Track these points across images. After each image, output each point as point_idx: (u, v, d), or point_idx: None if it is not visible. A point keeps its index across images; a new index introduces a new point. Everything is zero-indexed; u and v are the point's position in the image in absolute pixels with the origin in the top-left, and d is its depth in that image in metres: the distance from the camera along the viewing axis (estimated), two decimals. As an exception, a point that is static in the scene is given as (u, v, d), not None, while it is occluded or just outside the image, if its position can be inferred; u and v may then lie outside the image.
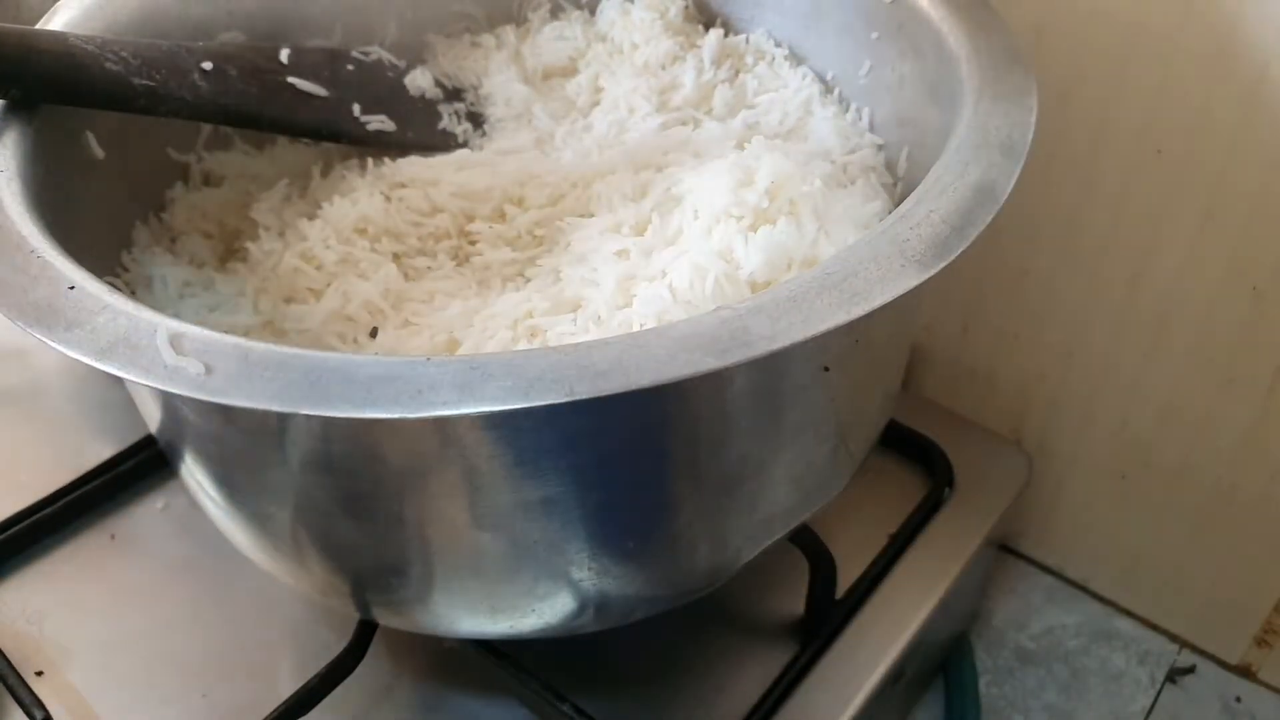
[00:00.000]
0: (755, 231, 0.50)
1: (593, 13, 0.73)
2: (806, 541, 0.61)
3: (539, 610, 0.50)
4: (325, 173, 0.62)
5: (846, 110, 0.66)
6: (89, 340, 0.38)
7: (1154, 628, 0.86)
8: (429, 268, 0.55)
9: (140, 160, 0.59)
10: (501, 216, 0.57)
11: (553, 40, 0.70)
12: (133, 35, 0.57)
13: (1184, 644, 0.85)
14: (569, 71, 0.68)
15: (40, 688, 0.61)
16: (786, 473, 0.50)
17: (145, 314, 0.39)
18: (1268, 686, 0.83)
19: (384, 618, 0.55)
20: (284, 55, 0.62)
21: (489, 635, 0.56)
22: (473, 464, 0.42)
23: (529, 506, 0.44)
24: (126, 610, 0.67)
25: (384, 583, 0.50)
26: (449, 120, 0.65)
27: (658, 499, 0.47)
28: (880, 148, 0.62)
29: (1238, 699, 0.82)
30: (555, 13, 0.73)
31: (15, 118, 0.50)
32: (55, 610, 0.67)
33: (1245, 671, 0.83)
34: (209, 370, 0.36)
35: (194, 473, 0.51)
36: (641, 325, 0.47)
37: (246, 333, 0.52)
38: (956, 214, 0.42)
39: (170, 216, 0.61)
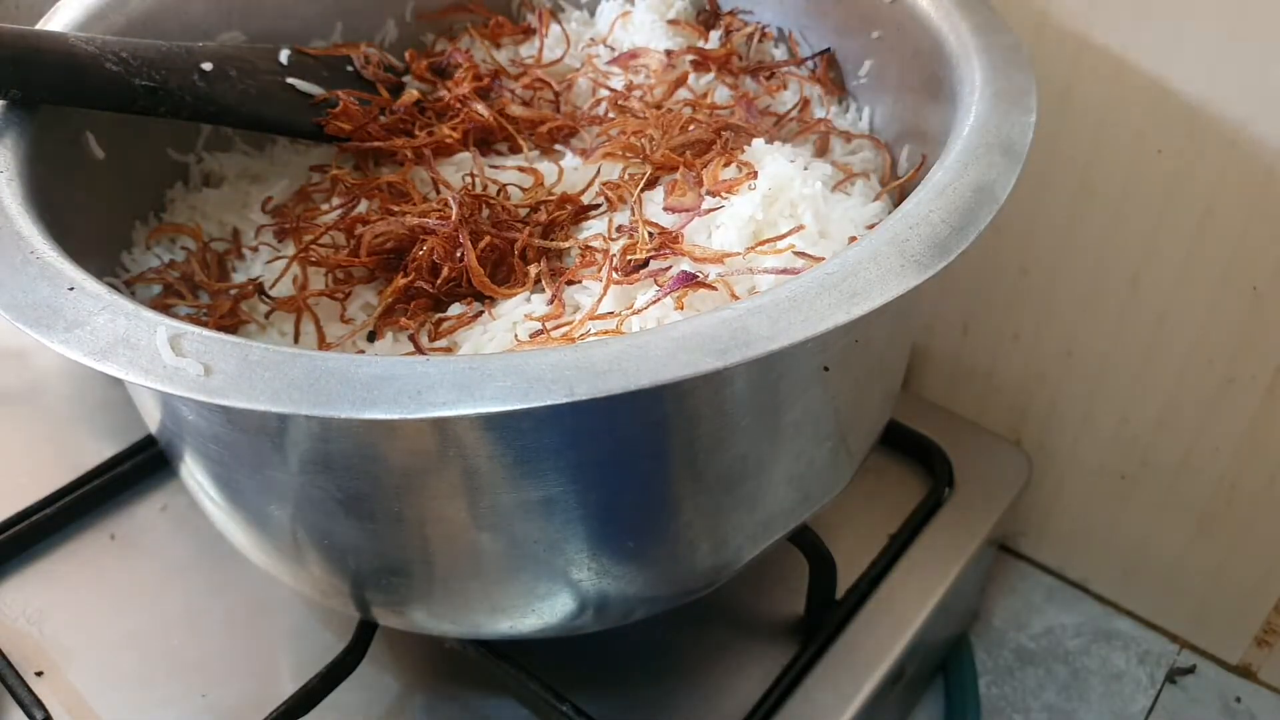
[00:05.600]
0: (757, 235, 0.50)
1: (593, 14, 0.73)
2: (806, 542, 0.61)
3: (539, 610, 0.50)
4: (325, 173, 0.62)
5: (846, 110, 0.66)
6: (89, 341, 0.38)
7: (1154, 628, 0.86)
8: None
9: (140, 160, 0.59)
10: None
11: (553, 41, 0.70)
12: (133, 36, 0.57)
13: (1184, 644, 0.85)
14: (569, 72, 0.68)
15: (40, 688, 0.61)
16: (786, 473, 0.50)
17: (145, 314, 0.39)
18: (1268, 686, 0.83)
19: (384, 618, 0.55)
20: (283, 56, 0.62)
21: (489, 635, 0.56)
22: (472, 464, 0.42)
23: (529, 506, 0.44)
24: (126, 610, 0.67)
25: (384, 583, 0.50)
26: (449, 120, 0.65)
27: (658, 499, 0.47)
28: (880, 148, 0.62)
29: (1238, 699, 0.82)
30: (555, 14, 0.73)
31: (15, 118, 0.50)
32: (55, 610, 0.67)
33: (1245, 671, 0.83)
34: (209, 371, 0.36)
35: (194, 473, 0.51)
36: (642, 328, 0.47)
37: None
38: (956, 214, 0.42)
39: (170, 216, 0.61)
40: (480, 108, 0.61)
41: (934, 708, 0.81)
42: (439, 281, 0.51)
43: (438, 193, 0.57)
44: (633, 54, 0.67)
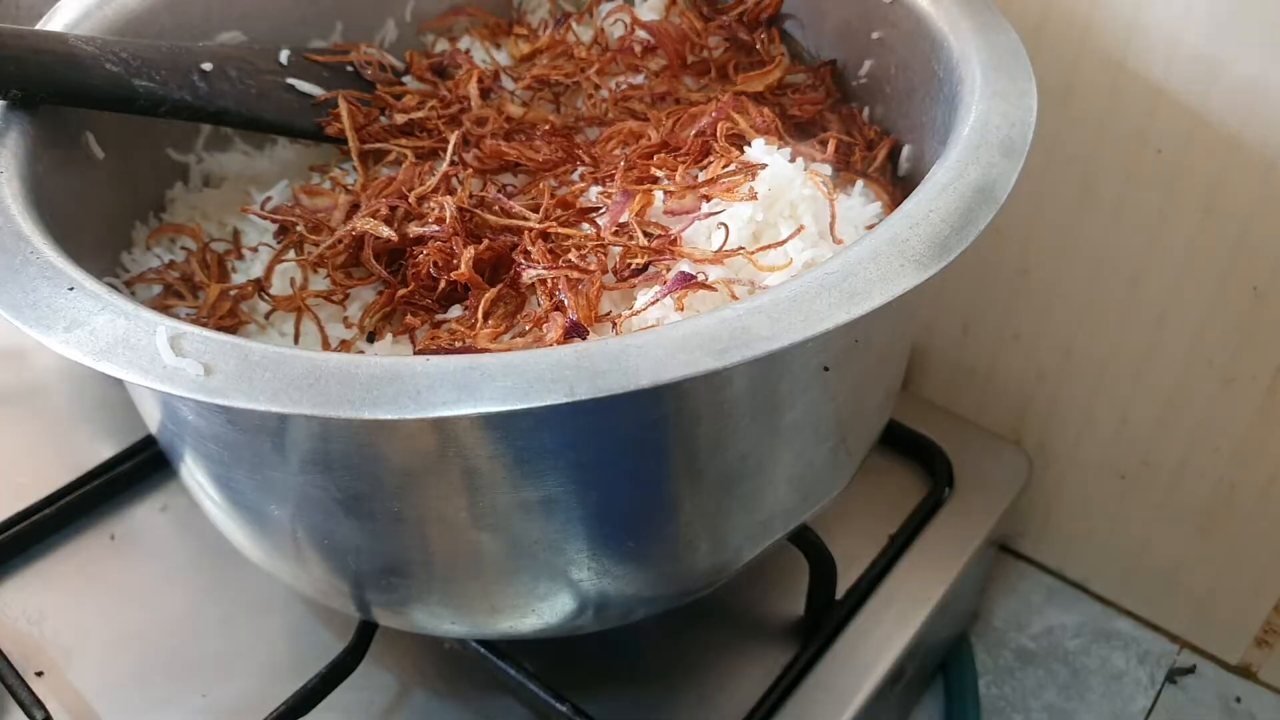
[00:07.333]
0: (757, 236, 0.51)
1: (592, 14, 0.73)
2: (806, 542, 0.61)
3: (539, 610, 0.50)
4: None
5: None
6: (88, 341, 0.38)
7: (1154, 628, 0.86)
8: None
9: (140, 160, 0.59)
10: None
11: (553, 42, 0.70)
12: (132, 36, 0.57)
13: (1184, 644, 0.85)
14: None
15: (40, 688, 0.61)
16: (786, 473, 0.50)
17: (145, 314, 0.39)
18: (1268, 686, 0.83)
19: (384, 618, 0.55)
20: (283, 56, 0.62)
21: (489, 635, 0.56)
22: (472, 464, 0.42)
23: (529, 506, 0.44)
24: (126, 610, 0.67)
25: (384, 583, 0.50)
26: (449, 121, 0.65)
27: (658, 499, 0.47)
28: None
29: (1238, 699, 0.82)
30: (555, 14, 0.73)
31: (15, 118, 0.50)
32: (55, 610, 0.67)
33: (1245, 671, 0.83)
34: (209, 371, 0.36)
35: (194, 473, 0.51)
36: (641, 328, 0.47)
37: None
38: (956, 214, 0.42)
39: (170, 216, 0.61)
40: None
41: (934, 708, 0.81)
42: (437, 295, 0.51)
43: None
44: (630, 49, 0.67)
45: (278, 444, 0.43)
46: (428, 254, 0.50)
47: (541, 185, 0.56)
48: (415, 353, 0.49)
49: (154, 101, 0.53)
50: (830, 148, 0.58)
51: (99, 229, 0.55)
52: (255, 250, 0.57)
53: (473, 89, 0.63)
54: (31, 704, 0.59)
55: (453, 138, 0.59)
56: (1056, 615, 0.88)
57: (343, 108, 0.60)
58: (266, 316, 0.53)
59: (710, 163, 0.54)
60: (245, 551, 0.55)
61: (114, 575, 0.69)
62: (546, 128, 0.61)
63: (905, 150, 0.60)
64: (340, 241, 0.53)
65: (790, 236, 0.49)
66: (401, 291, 0.51)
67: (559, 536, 0.46)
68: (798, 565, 0.63)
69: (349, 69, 0.66)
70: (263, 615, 0.67)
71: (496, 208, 0.53)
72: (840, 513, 0.69)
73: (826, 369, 0.46)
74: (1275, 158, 0.61)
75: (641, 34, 0.67)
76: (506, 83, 0.66)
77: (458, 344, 0.47)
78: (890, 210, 0.52)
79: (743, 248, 0.49)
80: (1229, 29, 0.59)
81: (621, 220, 0.51)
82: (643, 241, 0.50)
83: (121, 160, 0.56)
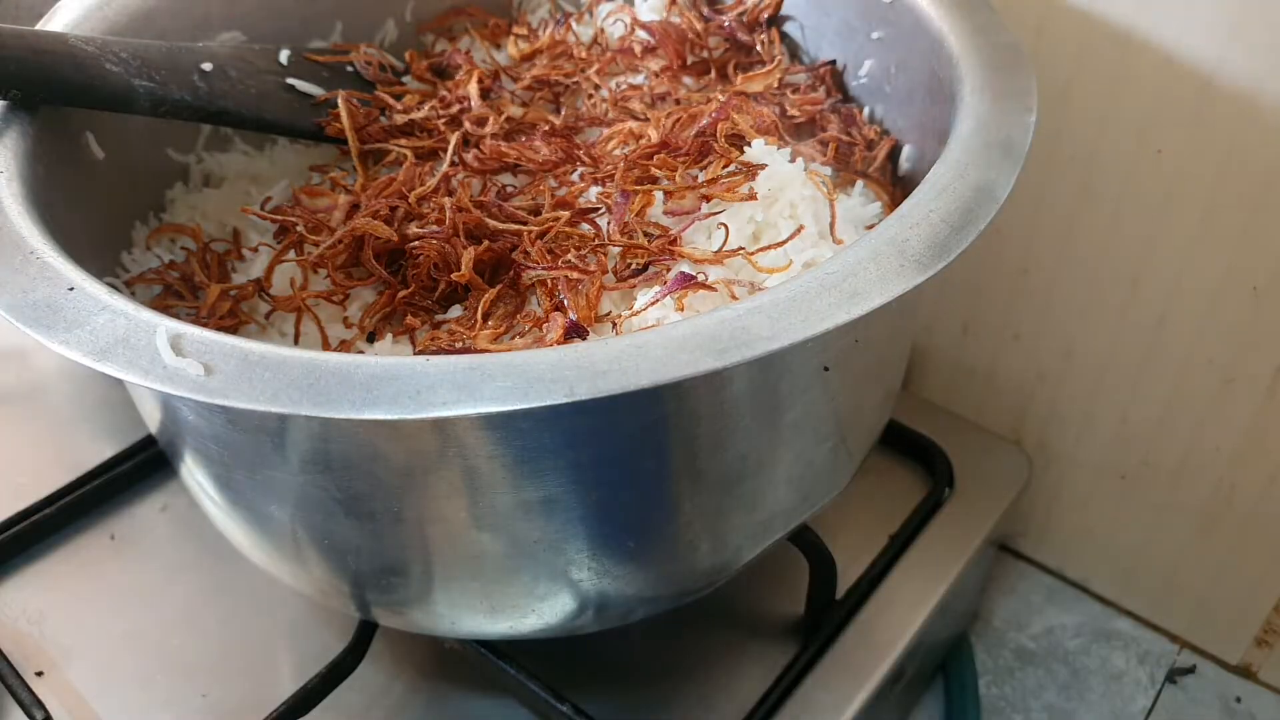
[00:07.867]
0: (757, 236, 0.51)
1: (592, 13, 0.73)
2: (806, 542, 0.61)
3: (539, 610, 0.50)
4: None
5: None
6: (88, 341, 0.38)
7: (1154, 628, 0.86)
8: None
9: (140, 160, 0.59)
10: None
11: (552, 42, 0.70)
12: (132, 36, 0.57)
13: (1184, 644, 0.85)
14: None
15: (40, 688, 0.61)
16: (786, 473, 0.50)
17: (145, 314, 0.39)
18: (1268, 686, 0.83)
19: (384, 618, 0.55)
20: (283, 56, 0.62)
21: (489, 635, 0.56)
22: (472, 464, 0.42)
23: (529, 506, 0.44)
24: (126, 610, 0.67)
25: (384, 583, 0.50)
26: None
27: (658, 499, 0.47)
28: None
29: (1238, 699, 0.82)
30: (555, 14, 0.73)
31: (15, 118, 0.50)
32: (55, 610, 0.67)
33: (1245, 671, 0.83)
34: (209, 371, 0.36)
35: (194, 473, 0.51)
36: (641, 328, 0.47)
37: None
38: (956, 214, 0.42)
39: (170, 216, 0.61)
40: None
41: (934, 708, 0.81)
42: (437, 295, 0.51)
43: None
44: (630, 50, 0.67)
45: (278, 444, 0.43)
46: (427, 255, 0.50)
47: (541, 186, 0.56)
48: (415, 353, 0.49)
49: (154, 101, 0.53)
50: (830, 149, 0.58)
51: (99, 229, 0.55)
52: (255, 250, 0.57)
53: (473, 89, 0.63)
54: (31, 704, 0.59)
55: (453, 138, 0.59)
56: (1056, 615, 0.88)
57: (342, 108, 0.60)
58: (266, 316, 0.53)
59: (710, 163, 0.54)
60: (245, 551, 0.55)
61: (114, 575, 0.69)
62: (546, 128, 0.61)
63: (905, 150, 0.60)
64: (340, 241, 0.53)
65: (790, 237, 0.49)
66: (402, 293, 0.51)
67: (559, 536, 0.46)
68: (798, 565, 0.63)
69: (349, 69, 0.66)
70: (263, 615, 0.67)
71: (496, 210, 0.54)
72: (840, 513, 0.69)
73: (826, 369, 0.46)
74: (1275, 158, 0.61)
75: (641, 34, 0.68)
76: (506, 83, 0.66)
77: (458, 344, 0.47)
78: (890, 210, 0.52)
79: (742, 248, 0.49)
80: (1229, 29, 0.59)
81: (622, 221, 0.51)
82: (643, 242, 0.50)
83: (121, 160, 0.56)
